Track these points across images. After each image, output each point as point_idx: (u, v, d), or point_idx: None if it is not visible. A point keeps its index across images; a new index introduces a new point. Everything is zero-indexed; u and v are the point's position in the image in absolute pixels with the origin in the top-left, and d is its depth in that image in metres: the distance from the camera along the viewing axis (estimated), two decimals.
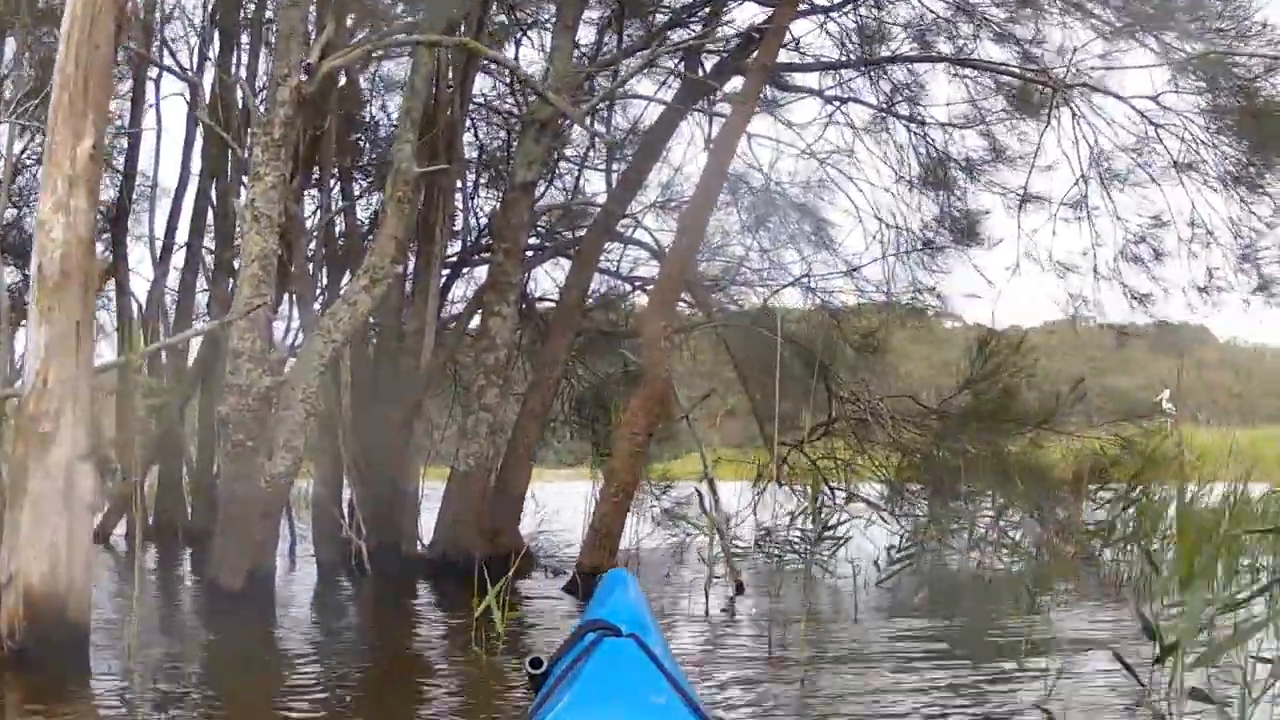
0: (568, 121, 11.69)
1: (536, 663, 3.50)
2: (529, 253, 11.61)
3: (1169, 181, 10.49)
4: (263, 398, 8.09)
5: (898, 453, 11.36)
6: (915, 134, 11.78)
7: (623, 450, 9.14)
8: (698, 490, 9.98)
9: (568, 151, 12.81)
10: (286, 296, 10.12)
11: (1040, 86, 10.72)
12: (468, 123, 11.92)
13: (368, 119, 12.06)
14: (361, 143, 11.85)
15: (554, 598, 8.84)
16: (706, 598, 8.34)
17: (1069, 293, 11.42)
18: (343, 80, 10.56)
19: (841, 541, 9.21)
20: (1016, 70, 10.81)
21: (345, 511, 10.22)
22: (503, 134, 12.81)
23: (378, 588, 9.31)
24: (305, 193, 10.51)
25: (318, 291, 10.72)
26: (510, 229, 10.49)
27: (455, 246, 12.12)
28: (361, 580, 9.41)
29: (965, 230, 11.78)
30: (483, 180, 12.91)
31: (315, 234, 10.63)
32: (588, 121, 10.79)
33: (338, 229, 11.38)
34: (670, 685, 3.07)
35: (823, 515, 8.61)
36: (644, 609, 3.75)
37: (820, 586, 8.99)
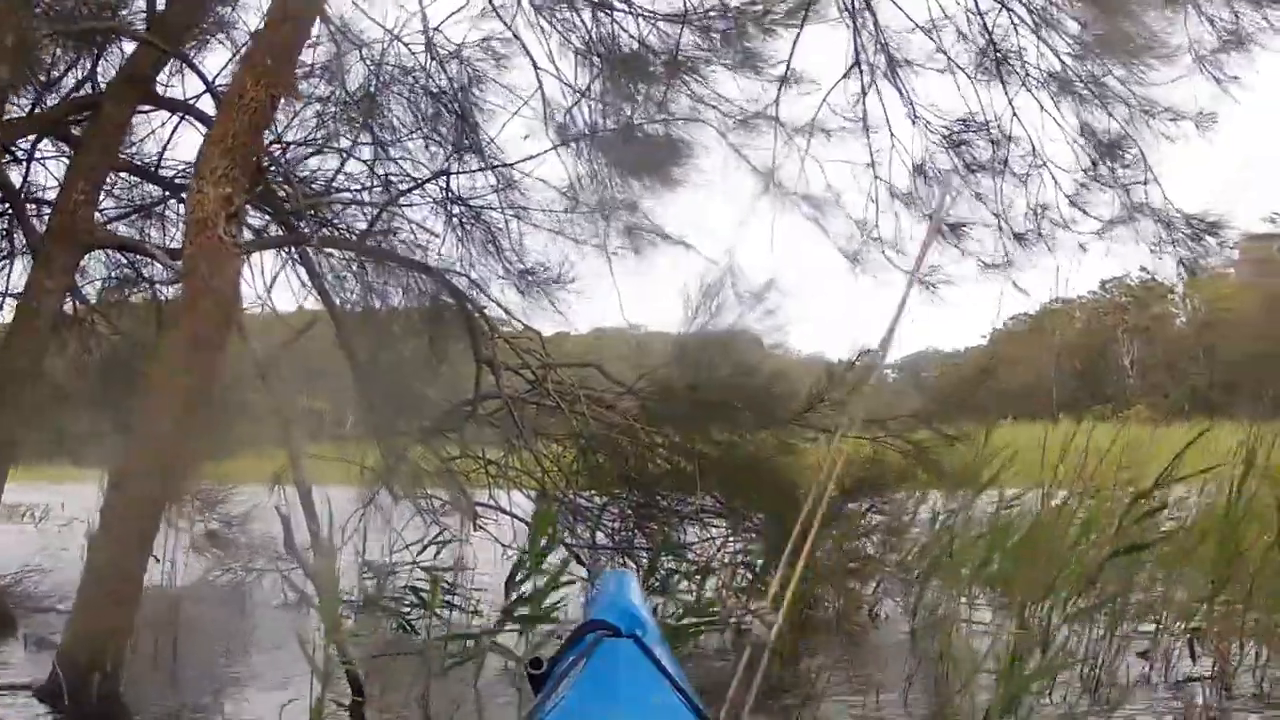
0: None
1: (536, 663, 3.31)
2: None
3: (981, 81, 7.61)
4: None
5: (576, 449, 7.79)
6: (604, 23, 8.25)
7: (149, 431, 4.92)
8: (279, 511, 5.52)
9: None
10: None
11: None
12: None
13: None
14: None
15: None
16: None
17: (855, 221, 8.27)
18: None
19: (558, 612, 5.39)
20: None
21: None
22: None
23: None
24: None
25: None
26: None
27: None
28: None
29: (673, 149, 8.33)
30: None
31: None
32: None
33: None
34: (670, 685, 2.87)
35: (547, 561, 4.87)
36: (644, 609, 3.47)
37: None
